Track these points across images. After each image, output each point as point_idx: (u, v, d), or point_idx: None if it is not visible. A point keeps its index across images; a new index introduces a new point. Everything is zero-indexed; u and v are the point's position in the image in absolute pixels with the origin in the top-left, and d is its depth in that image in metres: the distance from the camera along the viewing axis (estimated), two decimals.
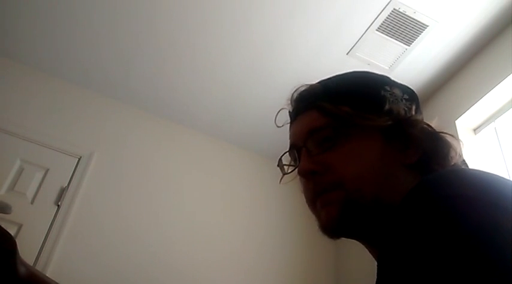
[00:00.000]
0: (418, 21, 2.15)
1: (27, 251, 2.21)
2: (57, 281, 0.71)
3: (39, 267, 2.17)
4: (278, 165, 0.67)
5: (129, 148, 2.80)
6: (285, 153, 0.65)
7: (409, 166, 0.57)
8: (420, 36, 2.22)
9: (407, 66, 2.40)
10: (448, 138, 0.58)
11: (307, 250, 2.86)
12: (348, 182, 0.55)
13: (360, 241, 0.59)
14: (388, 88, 0.60)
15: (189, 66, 2.59)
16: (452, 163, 0.57)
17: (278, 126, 0.69)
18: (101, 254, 2.38)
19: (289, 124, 0.67)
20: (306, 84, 0.65)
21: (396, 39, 2.25)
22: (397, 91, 0.61)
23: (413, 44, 2.26)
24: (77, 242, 2.36)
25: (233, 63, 2.53)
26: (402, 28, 2.19)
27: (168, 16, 2.31)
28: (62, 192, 2.45)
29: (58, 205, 2.41)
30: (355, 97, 0.60)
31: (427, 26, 2.17)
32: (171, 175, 2.84)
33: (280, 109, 0.67)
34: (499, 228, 0.35)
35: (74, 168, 2.55)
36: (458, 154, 0.58)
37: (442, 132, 0.59)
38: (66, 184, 2.49)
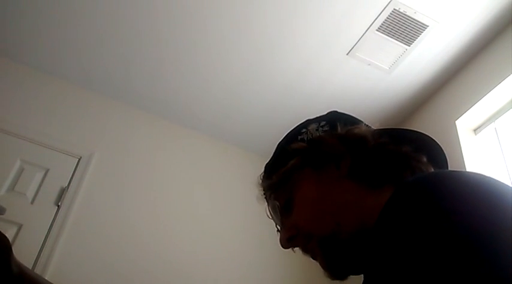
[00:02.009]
0: (418, 22, 2.15)
1: (27, 252, 2.21)
2: (57, 281, 0.71)
3: (39, 267, 2.17)
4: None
5: (129, 148, 2.80)
6: (278, 232, 0.69)
7: (351, 177, 0.58)
8: (420, 36, 2.22)
9: (408, 66, 2.40)
10: (354, 130, 0.61)
11: None
12: (311, 230, 0.59)
13: None
14: (304, 130, 0.66)
15: (189, 66, 2.59)
16: (371, 144, 0.59)
17: (268, 217, 0.72)
18: (101, 255, 2.38)
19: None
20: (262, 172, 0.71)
21: (396, 40, 2.25)
22: (313, 126, 0.65)
23: (413, 44, 2.26)
24: (77, 243, 2.36)
25: (234, 63, 2.53)
26: (402, 28, 2.19)
27: (168, 17, 2.31)
28: (62, 192, 2.45)
29: (58, 206, 2.41)
30: (276, 161, 0.67)
31: (427, 26, 2.17)
32: (171, 175, 2.84)
33: (266, 207, 0.72)
34: (492, 231, 0.35)
35: (74, 168, 2.55)
36: (372, 135, 0.60)
37: (349, 129, 0.62)
38: (66, 185, 2.49)
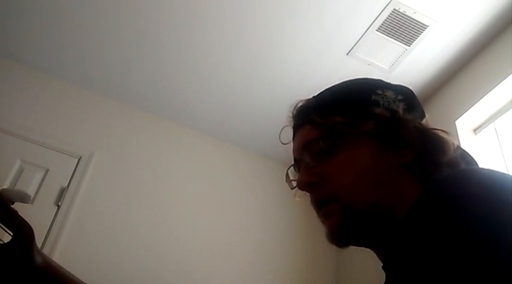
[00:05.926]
0: (418, 22, 2.15)
1: None
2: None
3: None
4: (286, 181, 0.68)
5: (129, 148, 2.81)
6: (289, 168, 0.66)
7: (406, 166, 0.57)
8: (420, 36, 2.22)
9: (408, 66, 2.40)
10: (441, 134, 0.59)
11: (306, 249, 2.86)
12: (343, 191, 0.56)
13: (368, 248, 0.60)
14: (380, 92, 0.61)
15: (190, 66, 2.59)
16: (448, 157, 0.57)
17: (283, 143, 0.69)
18: (100, 255, 2.38)
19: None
20: (303, 100, 0.66)
21: (396, 40, 2.25)
22: (390, 94, 0.61)
23: (413, 44, 2.26)
24: (76, 243, 2.36)
25: (234, 63, 2.53)
26: (402, 28, 2.19)
27: (169, 16, 2.31)
28: (62, 192, 2.45)
29: (58, 206, 2.41)
30: (344, 107, 0.61)
31: (427, 26, 2.17)
32: (171, 174, 2.84)
33: (283, 127, 0.68)
34: (506, 225, 0.36)
35: (74, 168, 2.55)
36: (453, 148, 0.58)
37: (434, 129, 0.59)
38: (66, 185, 2.49)
